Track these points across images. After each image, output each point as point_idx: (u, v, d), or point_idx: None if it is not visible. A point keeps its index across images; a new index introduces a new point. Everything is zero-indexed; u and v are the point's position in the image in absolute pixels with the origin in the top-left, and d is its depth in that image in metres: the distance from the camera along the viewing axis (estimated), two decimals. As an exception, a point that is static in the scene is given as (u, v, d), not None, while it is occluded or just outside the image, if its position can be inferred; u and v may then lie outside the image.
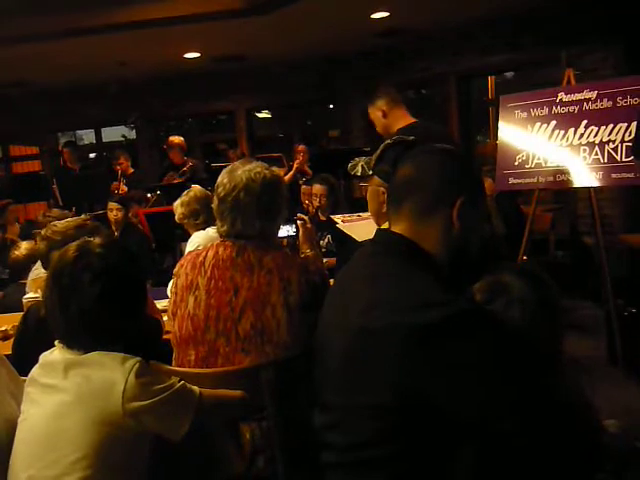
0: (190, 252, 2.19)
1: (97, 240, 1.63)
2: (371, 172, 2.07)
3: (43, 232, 2.54)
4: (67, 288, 1.54)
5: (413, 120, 3.51)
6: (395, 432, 1.28)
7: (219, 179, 2.09)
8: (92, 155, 11.59)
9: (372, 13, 6.46)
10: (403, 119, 3.48)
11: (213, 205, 2.11)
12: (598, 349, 4.16)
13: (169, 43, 7.09)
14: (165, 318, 2.65)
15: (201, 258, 2.04)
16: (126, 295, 1.61)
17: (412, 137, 1.95)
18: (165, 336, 2.40)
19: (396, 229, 1.46)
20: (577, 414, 1.30)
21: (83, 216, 3.11)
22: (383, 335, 1.26)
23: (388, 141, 2.00)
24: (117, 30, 6.22)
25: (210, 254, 2.04)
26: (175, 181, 6.57)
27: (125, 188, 7.09)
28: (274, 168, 2.13)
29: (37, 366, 1.59)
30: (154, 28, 6.20)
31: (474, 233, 1.44)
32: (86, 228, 2.48)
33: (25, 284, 3.64)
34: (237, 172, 2.06)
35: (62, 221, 2.54)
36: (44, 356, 1.59)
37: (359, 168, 2.12)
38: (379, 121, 3.54)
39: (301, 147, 7.10)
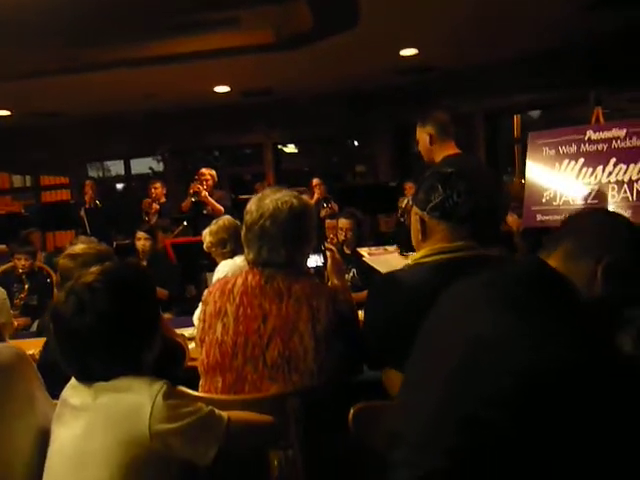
0: (219, 279, 2.20)
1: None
2: (411, 202, 2.09)
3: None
4: (70, 336, 1.50)
5: (458, 151, 3.48)
6: None
7: (247, 207, 2.10)
8: (120, 186, 11.76)
9: (400, 50, 6.54)
10: (449, 149, 3.45)
11: (242, 232, 2.12)
12: None
13: (199, 77, 7.22)
14: (191, 345, 2.65)
15: (230, 285, 2.05)
16: (133, 319, 1.54)
17: (450, 169, 1.95)
18: (191, 363, 2.40)
19: None
20: None
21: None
22: None
23: (427, 173, 2.03)
24: (147, 63, 6.34)
25: (239, 281, 2.04)
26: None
27: (157, 206, 7.20)
28: (304, 196, 2.14)
29: (68, 386, 1.59)
30: (185, 62, 6.32)
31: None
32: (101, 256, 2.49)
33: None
34: (265, 200, 2.07)
35: (80, 246, 2.58)
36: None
37: (406, 201, 2.17)
38: (424, 144, 3.50)
39: (315, 180, 7.24)
